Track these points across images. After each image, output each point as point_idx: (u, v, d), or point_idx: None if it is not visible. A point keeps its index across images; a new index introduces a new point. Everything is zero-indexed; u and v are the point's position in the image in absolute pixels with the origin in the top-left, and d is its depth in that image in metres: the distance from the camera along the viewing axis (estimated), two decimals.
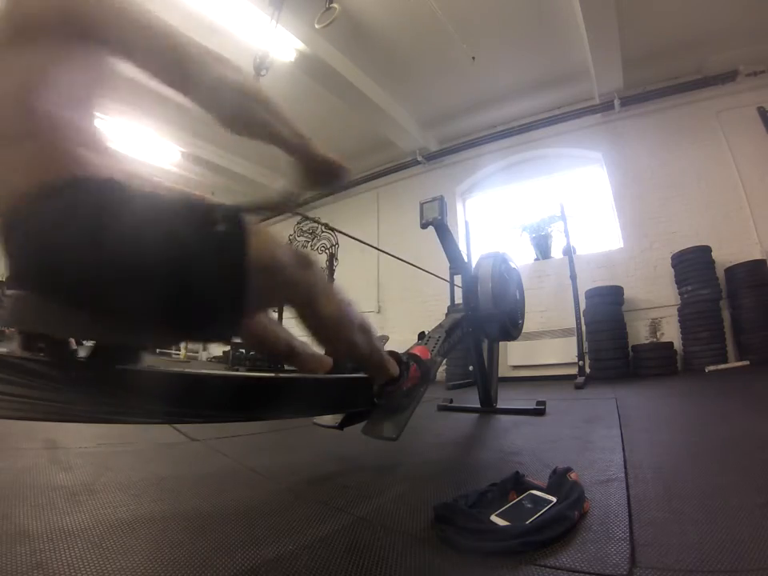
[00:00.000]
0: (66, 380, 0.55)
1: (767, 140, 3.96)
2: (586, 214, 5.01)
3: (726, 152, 4.16)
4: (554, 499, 0.75)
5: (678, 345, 3.81)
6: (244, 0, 3.38)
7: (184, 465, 1.25)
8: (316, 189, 0.82)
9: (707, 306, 3.63)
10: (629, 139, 4.70)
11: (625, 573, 0.55)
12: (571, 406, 2.30)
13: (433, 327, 1.56)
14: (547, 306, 4.59)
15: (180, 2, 3.52)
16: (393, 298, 6.04)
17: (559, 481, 0.82)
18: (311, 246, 7.69)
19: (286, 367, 1.02)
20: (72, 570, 0.56)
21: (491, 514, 0.71)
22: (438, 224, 1.73)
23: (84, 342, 0.60)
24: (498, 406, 2.09)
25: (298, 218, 7.82)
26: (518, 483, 0.82)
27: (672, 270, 4.02)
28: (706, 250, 3.82)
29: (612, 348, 3.82)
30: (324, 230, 7.43)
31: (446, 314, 1.87)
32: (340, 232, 4.97)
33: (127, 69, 0.62)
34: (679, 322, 3.86)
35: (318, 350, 0.96)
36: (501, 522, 0.69)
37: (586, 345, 3.92)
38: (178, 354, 7.80)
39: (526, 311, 2.14)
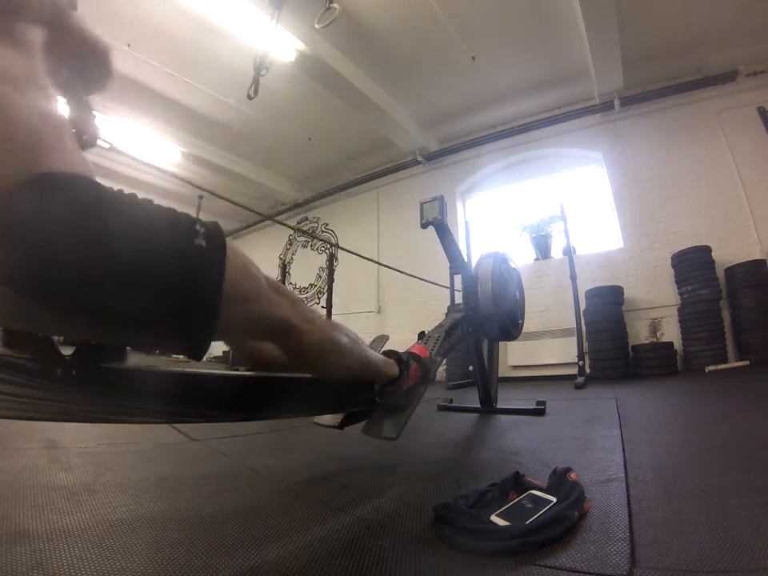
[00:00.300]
0: (51, 377, 0.53)
1: (767, 140, 3.96)
2: (586, 213, 5.01)
3: (726, 152, 4.17)
4: (554, 499, 0.75)
5: (678, 345, 3.81)
6: (244, 0, 3.38)
7: (184, 465, 1.24)
8: (82, 85, 0.64)
9: (707, 305, 3.64)
10: (629, 139, 4.70)
11: (625, 573, 0.55)
12: (571, 406, 2.30)
13: (433, 327, 1.56)
14: (547, 306, 4.60)
15: (180, 1, 3.53)
16: (393, 298, 6.05)
17: (559, 481, 0.82)
18: (311, 246, 7.71)
19: None
20: (72, 570, 0.56)
21: (491, 514, 0.71)
22: (438, 224, 1.73)
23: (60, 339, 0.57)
24: (497, 406, 2.09)
25: (298, 217, 7.84)
26: (518, 483, 0.82)
27: (672, 270, 4.02)
28: (705, 250, 3.82)
29: (612, 348, 3.82)
30: (324, 229, 7.46)
31: (446, 314, 1.87)
32: (341, 248, 4.96)
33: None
34: (679, 322, 3.86)
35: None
36: (501, 522, 0.69)
37: (586, 345, 3.93)
38: (178, 354, 7.79)
39: (526, 311, 2.14)
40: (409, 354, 1.17)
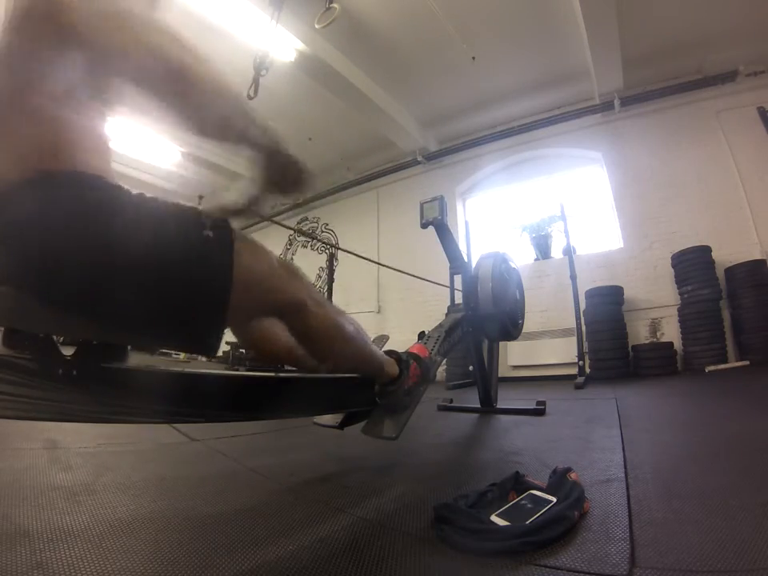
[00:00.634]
0: (51, 377, 0.53)
1: (767, 140, 3.96)
2: (586, 213, 5.01)
3: (726, 152, 4.16)
4: (554, 499, 0.75)
5: (678, 345, 3.81)
6: (244, 0, 3.38)
7: (184, 465, 1.24)
8: (279, 192, 0.72)
9: (707, 305, 3.63)
10: (629, 139, 4.70)
11: (625, 573, 0.55)
12: (571, 406, 2.30)
13: (433, 327, 1.56)
14: (547, 306, 4.59)
15: (180, 1, 3.53)
16: (393, 297, 6.04)
17: (559, 481, 0.82)
18: (311, 246, 7.71)
19: (286, 367, 1.01)
20: (72, 570, 0.56)
21: (491, 514, 0.71)
22: (438, 224, 1.73)
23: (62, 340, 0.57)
24: (498, 406, 2.09)
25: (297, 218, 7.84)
26: (518, 483, 0.83)
27: (672, 270, 4.02)
28: (706, 250, 3.82)
29: (612, 348, 3.82)
30: (324, 229, 7.46)
31: (446, 314, 1.87)
32: (341, 249, 4.95)
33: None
34: (679, 322, 3.86)
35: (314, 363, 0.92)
36: (501, 522, 0.69)
37: (586, 345, 3.92)
38: (178, 354, 7.80)
39: (526, 311, 2.14)
40: (408, 353, 1.17)
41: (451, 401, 2.32)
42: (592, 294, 4.15)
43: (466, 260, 1.95)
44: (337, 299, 4.42)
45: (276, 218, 6.17)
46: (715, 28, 3.91)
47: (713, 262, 3.79)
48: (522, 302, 2.10)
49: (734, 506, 0.73)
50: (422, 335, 1.47)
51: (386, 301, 6.14)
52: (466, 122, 5.51)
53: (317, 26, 3.31)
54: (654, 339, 4.08)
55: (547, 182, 5.38)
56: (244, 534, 0.72)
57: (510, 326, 1.90)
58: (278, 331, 0.94)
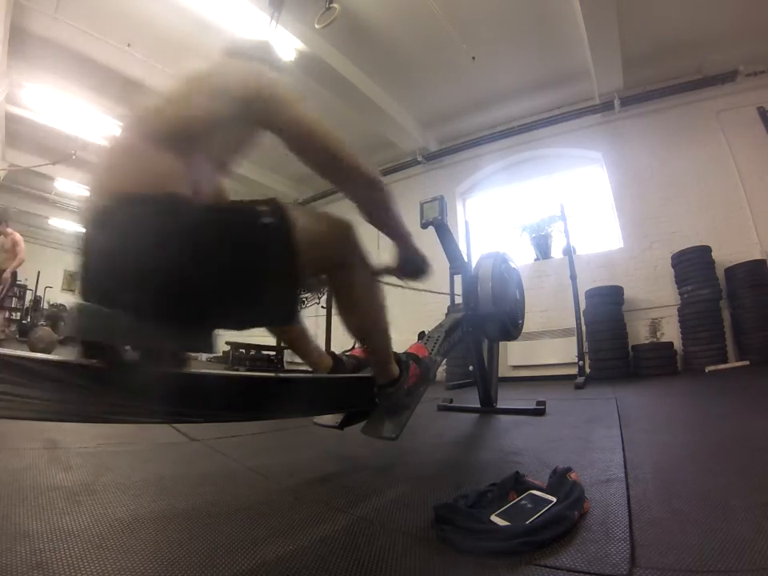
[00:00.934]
0: (118, 382, 0.60)
1: (767, 140, 3.96)
2: (586, 213, 5.01)
3: (726, 152, 4.16)
4: (554, 499, 0.75)
5: (678, 345, 3.81)
6: (244, 0, 3.38)
7: (184, 465, 1.24)
8: (403, 276, 1.07)
9: (707, 305, 3.63)
10: (629, 139, 4.70)
11: (625, 573, 0.55)
12: (571, 406, 2.30)
13: (433, 327, 1.56)
14: (547, 306, 4.59)
15: (180, 2, 3.53)
16: (393, 297, 6.03)
17: (559, 481, 0.82)
18: None
19: (286, 367, 1.04)
20: (72, 570, 0.56)
21: (491, 514, 0.71)
22: (438, 224, 1.73)
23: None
24: (497, 406, 2.09)
25: None
26: (518, 483, 0.82)
27: (672, 269, 4.02)
28: (705, 250, 3.82)
29: (612, 348, 3.82)
30: None
31: (446, 314, 1.87)
32: None
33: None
34: (679, 322, 3.86)
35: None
36: (501, 522, 0.69)
37: (586, 345, 3.92)
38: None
39: (526, 311, 2.14)
40: (408, 354, 1.17)
41: (451, 401, 2.32)
42: (592, 294, 4.15)
43: (465, 260, 1.95)
44: None
45: None
46: (715, 28, 3.91)
47: (713, 262, 3.79)
48: (522, 302, 2.10)
49: (734, 506, 0.73)
50: (421, 335, 1.47)
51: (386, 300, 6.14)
52: (466, 122, 5.51)
53: (317, 26, 3.31)
54: (654, 339, 4.08)
55: (547, 182, 5.38)
56: (244, 534, 0.72)
57: (510, 326, 1.90)
58: (308, 335, 1.17)
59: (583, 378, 3.43)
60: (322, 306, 4.21)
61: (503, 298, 1.83)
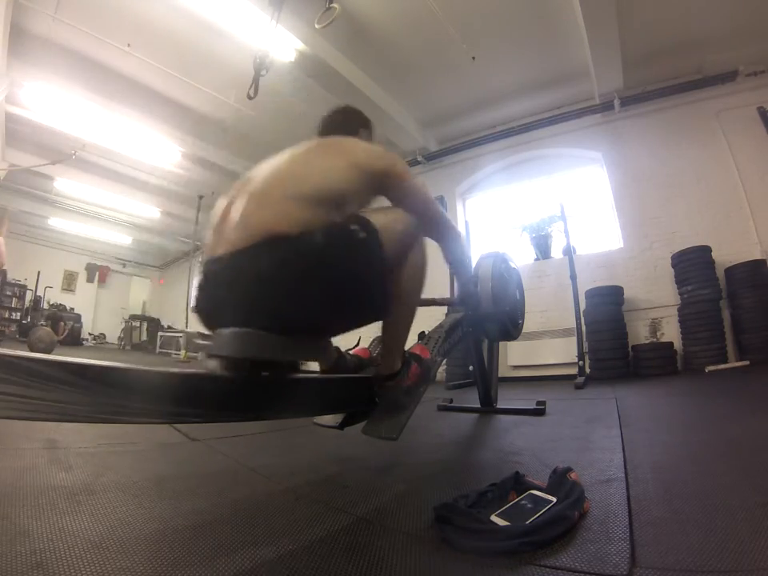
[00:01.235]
0: (248, 388, 0.76)
1: (767, 140, 3.96)
2: (586, 214, 5.01)
3: (726, 152, 4.16)
4: (554, 499, 0.75)
5: (678, 345, 3.81)
6: (244, 0, 3.38)
7: (184, 465, 1.24)
8: (455, 304, 1.26)
9: (707, 305, 3.63)
10: (629, 139, 4.70)
11: (625, 573, 0.55)
12: (571, 406, 2.30)
13: (433, 327, 1.56)
14: (547, 306, 4.59)
15: (180, 2, 3.53)
16: None
17: (559, 481, 0.82)
18: None
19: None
20: (72, 570, 0.56)
21: (491, 514, 0.71)
22: None
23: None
24: (497, 406, 2.09)
25: None
26: (518, 483, 0.82)
27: (672, 269, 4.02)
28: (705, 250, 3.81)
29: (612, 348, 3.82)
30: None
31: (446, 314, 1.86)
32: None
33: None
34: (679, 321, 3.86)
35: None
36: (501, 522, 0.69)
37: (586, 345, 3.92)
38: (179, 354, 7.79)
39: (526, 311, 2.13)
40: (410, 353, 1.17)
41: (451, 401, 2.32)
42: (592, 294, 4.15)
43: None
44: None
45: None
46: (715, 28, 3.91)
47: (713, 261, 3.79)
48: (522, 302, 2.10)
49: (734, 506, 0.73)
50: (422, 335, 1.47)
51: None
52: (466, 122, 5.51)
53: (317, 26, 3.30)
54: (654, 339, 4.08)
55: (547, 182, 5.38)
56: (244, 533, 0.72)
57: (510, 326, 1.90)
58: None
59: (583, 377, 3.43)
60: None
61: (503, 298, 1.83)
